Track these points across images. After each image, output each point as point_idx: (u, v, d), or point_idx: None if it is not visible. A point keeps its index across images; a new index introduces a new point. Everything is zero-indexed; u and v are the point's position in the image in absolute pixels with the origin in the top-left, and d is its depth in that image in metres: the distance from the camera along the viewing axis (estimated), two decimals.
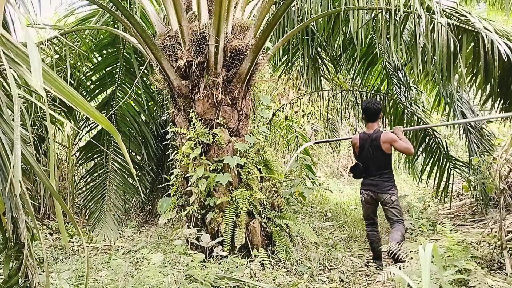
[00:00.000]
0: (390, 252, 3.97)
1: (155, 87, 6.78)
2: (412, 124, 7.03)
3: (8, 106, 1.74)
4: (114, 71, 6.80)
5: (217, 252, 4.06)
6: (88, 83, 6.88)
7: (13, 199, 1.58)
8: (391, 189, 4.51)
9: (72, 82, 6.32)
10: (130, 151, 6.83)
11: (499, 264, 3.94)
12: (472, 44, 4.80)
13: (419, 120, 6.89)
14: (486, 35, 4.49)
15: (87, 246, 5.31)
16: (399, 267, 3.47)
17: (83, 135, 7.59)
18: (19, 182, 1.24)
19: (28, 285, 1.84)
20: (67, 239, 5.70)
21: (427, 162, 6.85)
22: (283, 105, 9.17)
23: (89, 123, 6.88)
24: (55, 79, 1.34)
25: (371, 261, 4.65)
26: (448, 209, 6.83)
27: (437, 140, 6.70)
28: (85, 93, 6.77)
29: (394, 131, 4.59)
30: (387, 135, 4.50)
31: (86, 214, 6.79)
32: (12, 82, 1.22)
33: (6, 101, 1.69)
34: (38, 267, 1.93)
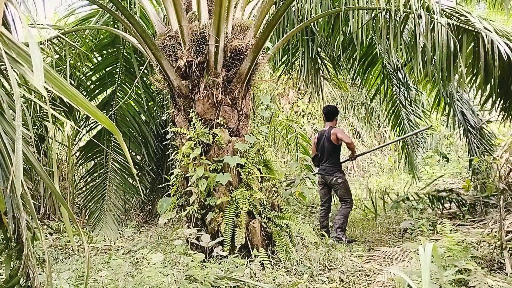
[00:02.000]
0: (335, 237, 5.45)
1: (155, 87, 6.78)
2: (410, 124, 7.05)
3: (10, 105, 1.74)
4: (114, 71, 6.80)
5: (217, 252, 4.06)
6: (88, 83, 6.88)
7: (14, 198, 1.58)
8: (335, 172, 5.71)
9: (72, 82, 6.32)
10: (130, 151, 6.83)
11: (499, 264, 3.94)
12: (472, 44, 4.80)
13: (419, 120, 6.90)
14: (486, 35, 4.49)
15: (87, 246, 5.31)
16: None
17: (83, 135, 7.58)
18: (20, 181, 1.24)
19: (29, 284, 1.84)
20: (68, 239, 5.70)
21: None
22: (282, 106, 9.17)
23: (89, 123, 6.89)
24: (56, 78, 1.34)
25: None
26: (448, 209, 6.83)
27: None
28: (85, 93, 6.77)
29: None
30: (335, 129, 5.78)
31: (86, 214, 6.79)
32: (13, 82, 1.22)
33: (8, 100, 1.69)
34: (39, 267, 1.93)
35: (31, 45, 1.14)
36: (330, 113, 5.95)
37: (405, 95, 7.48)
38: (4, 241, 1.83)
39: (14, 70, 1.41)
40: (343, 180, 5.70)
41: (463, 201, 6.29)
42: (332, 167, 5.75)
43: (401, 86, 7.42)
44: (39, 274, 2.00)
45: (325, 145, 5.81)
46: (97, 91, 6.97)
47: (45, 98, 1.26)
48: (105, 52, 6.87)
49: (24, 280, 1.82)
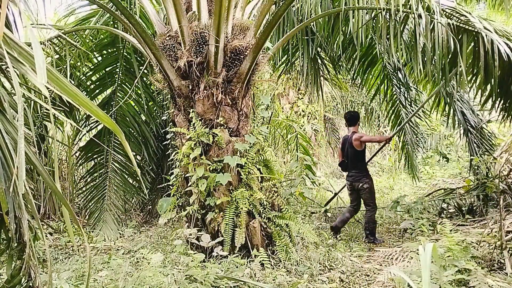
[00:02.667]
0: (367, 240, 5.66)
1: (155, 87, 6.78)
2: (411, 124, 7.06)
3: (11, 105, 1.73)
4: (114, 71, 6.79)
5: (217, 252, 4.06)
6: (88, 83, 6.88)
7: (16, 198, 1.58)
8: (362, 178, 5.77)
9: (72, 82, 6.31)
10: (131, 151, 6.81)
11: (499, 264, 3.94)
12: (472, 44, 4.80)
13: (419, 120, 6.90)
14: (486, 35, 4.49)
15: (88, 246, 5.31)
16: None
17: (84, 135, 7.58)
18: (23, 181, 1.24)
19: (30, 284, 1.84)
20: (67, 239, 5.70)
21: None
22: (282, 106, 9.18)
23: (89, 123, 6.88)
24: (58, 78, 1.34)
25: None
26: (448, 209, 6.83)
27: None
28: (85, 93, 6.76)
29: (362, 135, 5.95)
30: (357, 135, 5.82)
31: (86, 214, 6.79)
32: (15, 81, 1.22)
33: (9, 100, 1.69)
34: (40, 267, 1.93)
35: (34, 45, 1.14)
36: (352, 118, 6.01)
37: (405, 95, 7.48)
38: (5, 241, 1.83)
39: (15, 70, 1.41)
40: (370, 186, 5.78)
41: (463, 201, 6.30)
42: (359, 173, 5.83)
43: (401, 86, 7.42)
44: (40, 274, 2.00)
45: (349, 151, 5.88)
46: (97, 91, 6.96)
47: (46, 97, 1.26)
48: (105, 52, 6.87)
49: (26, 280, 1.83)
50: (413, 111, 7.57)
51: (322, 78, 7.57)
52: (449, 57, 4.71)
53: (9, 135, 1.60)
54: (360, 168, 5.85)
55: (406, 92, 7.46)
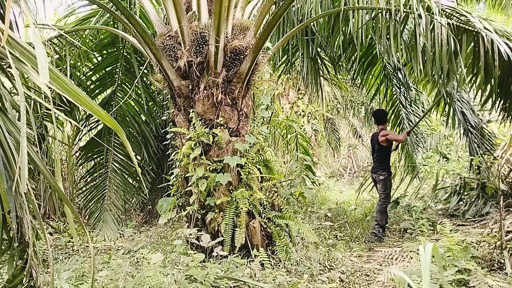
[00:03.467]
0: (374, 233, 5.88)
1: (155, 87, 6.78)
2: (410, 124, 7.08)
3: (12, 105, 1.73)
4: (114, 71, 6.79)
5: (217, 252, 4.06)
6: (88, 83, 6.87)
7: (18, 198, 1.58)
8: (379, 170, 6.11)
9: (72, 82, 6.30)
10: None
11: (499, 264, 3.95)
12: (472, 44, 4.80)
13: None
14: (486, 35, 4.48)
15: (87, 246, 5.31)
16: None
17: (84, 135, 7.58)
18: (26, 180, 1.24)
19: (32, 284, 1.84)
20: (67, 239, 5.70)
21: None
22: (282, 106, 9.17)
23: (89, 123, 6.88)
24: (59, 77, 1.34)
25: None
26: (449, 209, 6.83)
27: None
28: (85, 93, 6.75)
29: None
30: (384, 132, 6.12)
31: (86, 214, 6.78)
32: (18, 81, 1.22)
33: (10, 99, 1.69)
34: (41, 267, 1.93)
35: (36, 44, 1.14)
36: (380, 117, 6.35)
37: (405, 95, 7.49)
38: (7, 241, 1.83)
39: (17, 69, 1.41)
40: (385, 178, 6.04)
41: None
42: (379, 165, 6.17)
43: (401, 86, 7.43)
44: (40, 274, 2.00)
45: (375, 146, 6.25)
46: (97, 91, 6.96)
47: (47, 97, 1.26)
48: (105, 52, 6.86)
49: (27, 280, 1.83)
50: (413, 111, 7.57)
51: (322, 78, 7.57)
52: (449, 57, 4.70)
53: (10, 135, 1.60)
54: (381, 162, 6.16)
55: (406, 92, 7.47)
